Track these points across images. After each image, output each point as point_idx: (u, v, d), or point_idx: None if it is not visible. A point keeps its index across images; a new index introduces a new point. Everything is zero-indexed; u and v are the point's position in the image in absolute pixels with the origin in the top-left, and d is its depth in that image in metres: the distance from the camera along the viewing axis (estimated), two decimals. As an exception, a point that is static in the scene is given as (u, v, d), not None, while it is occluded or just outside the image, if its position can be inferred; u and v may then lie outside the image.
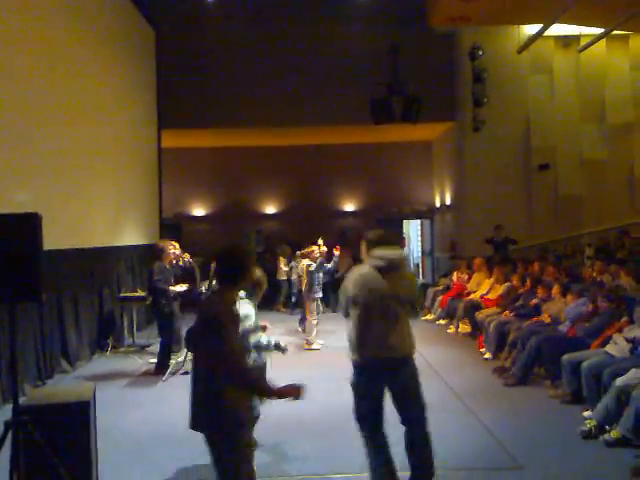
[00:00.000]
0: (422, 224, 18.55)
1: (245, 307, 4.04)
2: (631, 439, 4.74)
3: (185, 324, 8.33)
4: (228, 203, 16.78)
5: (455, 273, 12.24)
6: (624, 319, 6.17)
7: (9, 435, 3.58)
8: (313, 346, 9.18)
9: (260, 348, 4.32)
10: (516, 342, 7.35)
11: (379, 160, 16.59)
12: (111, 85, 10.10)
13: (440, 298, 11.69)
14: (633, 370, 5.06)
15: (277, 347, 4.49)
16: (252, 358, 4.18)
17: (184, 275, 8.51)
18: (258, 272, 4.27)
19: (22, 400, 3.97)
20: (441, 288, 12.39)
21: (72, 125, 8.44)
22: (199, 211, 16.93)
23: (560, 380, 6.28)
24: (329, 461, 4.75)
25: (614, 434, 4.83)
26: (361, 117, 13.05)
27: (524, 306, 8.44)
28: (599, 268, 8.40)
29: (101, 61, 9.67)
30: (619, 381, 5.01)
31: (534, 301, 8.24)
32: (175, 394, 6.83)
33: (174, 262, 8.18)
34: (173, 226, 15.24)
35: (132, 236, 11.08)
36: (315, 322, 9.35)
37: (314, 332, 9.28)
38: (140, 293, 9.81)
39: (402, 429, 4.05)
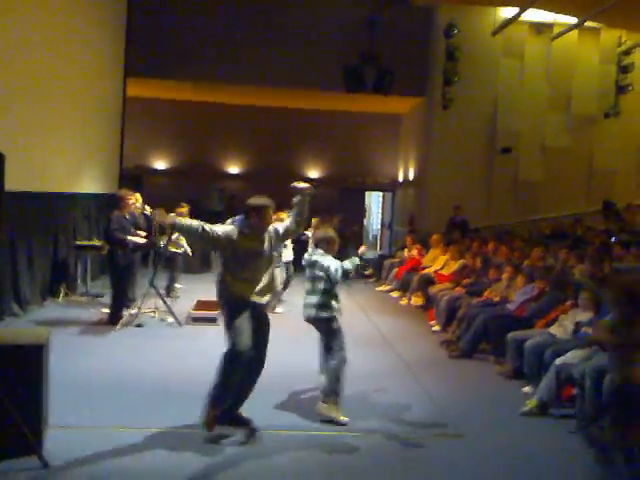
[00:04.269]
0: (384, 197, 18.73)
1: (326, 258, 4.93)
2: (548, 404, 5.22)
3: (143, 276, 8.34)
4: (191, 158, 16.55)
5: (405, 249, 12.42)
6: (569, 302, 6.43)
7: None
8: (276, 310, 9.14)
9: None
10: (465, 317, 7.59)
11: (347, 129, 16.58)
12: (78, 28, 9.75)
13: (396, 270, 11.89)
14: (572, 351, 5.32)
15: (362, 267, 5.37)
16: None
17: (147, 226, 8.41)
18: (330, 231, 5.14)
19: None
20: (397, 260, 12.58)
21: (38, 66, 8.15)
22: (161, 164, 16.66)
23: (504, 356, 6.54)
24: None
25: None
26: (333, 83, 12.99)
27: (475, 284, 8.69)
28: (551, 253, 8.65)
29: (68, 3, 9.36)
30: (559, 360, 5.25)
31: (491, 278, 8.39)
32: (126, 345, 6.89)
33: (136, 213, 8.09)
34: (133, 177, 14.95)
35: (91, 184, 10.87)
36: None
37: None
38: (96, 242, 9.70)
39: None
